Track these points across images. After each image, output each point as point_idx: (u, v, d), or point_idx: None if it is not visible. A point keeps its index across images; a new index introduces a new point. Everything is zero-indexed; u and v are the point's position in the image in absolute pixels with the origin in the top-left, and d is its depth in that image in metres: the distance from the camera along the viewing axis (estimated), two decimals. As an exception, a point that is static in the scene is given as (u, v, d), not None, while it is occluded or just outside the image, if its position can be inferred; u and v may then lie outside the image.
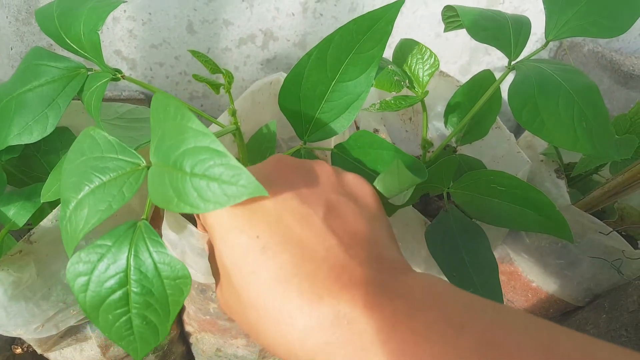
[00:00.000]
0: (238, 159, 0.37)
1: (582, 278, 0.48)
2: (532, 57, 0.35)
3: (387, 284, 0.19)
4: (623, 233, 0.46)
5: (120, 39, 0.52)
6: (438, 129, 0.53)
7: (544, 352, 0.16)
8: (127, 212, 0.38)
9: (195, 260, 0.35)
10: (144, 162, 0.22)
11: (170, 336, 0.50)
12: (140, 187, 0.22)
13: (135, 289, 0.22)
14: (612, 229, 0.43)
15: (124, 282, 0.22)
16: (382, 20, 0.28)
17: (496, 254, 0.53)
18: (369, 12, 0.28)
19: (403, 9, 0.52)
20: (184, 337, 0.56)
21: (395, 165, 0.24)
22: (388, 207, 0.33)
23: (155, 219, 0.43)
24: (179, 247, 0.35)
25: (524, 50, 0.34)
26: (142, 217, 0.24)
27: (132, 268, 0.22)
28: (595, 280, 0.48)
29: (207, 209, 0.18)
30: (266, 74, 0.58)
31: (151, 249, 0.22)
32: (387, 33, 0.28)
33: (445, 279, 0.34)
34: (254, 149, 0.38)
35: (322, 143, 0.33)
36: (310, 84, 0.30)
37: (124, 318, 0.23)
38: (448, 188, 0.36)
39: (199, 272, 0.37)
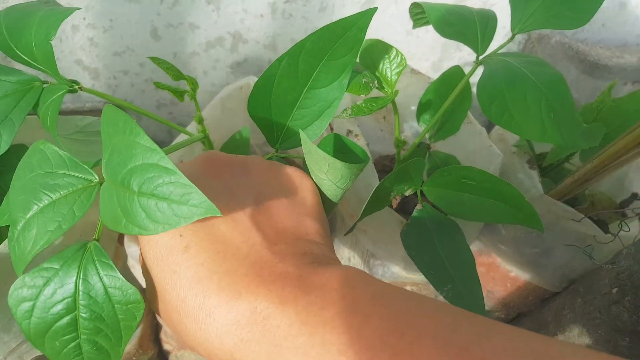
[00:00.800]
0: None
1: (557, 265, 0.49)
2: (500, 51, 0.35)
3: (305, 278, 0.18)
4: (595, 218, 0.47)
5: (81, 47, 0.50)
6: (412, 126, 0.53)
7: (443, 338, 0.16)
8: (92, 229, 0.37)
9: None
10: (97, 178, 0.21)
11: (148, 356, 0.49)
12: (93, 205, 0.21)
13: (84, 315, 0.21)
14: (583, 216, 0.44)
15: (72, 308, 0.21)
16: (355, 27, 0.28)
17: (475, 247, 0.54)
18: (341, 19, 0.28)
19: (372, 6, 0.52)
20: (162, 355, 0.54)
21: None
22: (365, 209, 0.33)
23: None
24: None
25: (491, 44, 0.35)
26: (94, 237, 0.22)
27: (80, 292, 0.21)
28: (569, 267, 0.49)
29: (157, 231, 0.18)
30: (237, 77, 0.57)
31: (101, 272, 0.21)
32: (360, 40, 0.28)
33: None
34: (226, 157, 0.38)
35: (295, 149, 0.33)
36: (281, 91, 0.29)
37: (72, 344, 0.22)
38: (421, 186, 0.36)
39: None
